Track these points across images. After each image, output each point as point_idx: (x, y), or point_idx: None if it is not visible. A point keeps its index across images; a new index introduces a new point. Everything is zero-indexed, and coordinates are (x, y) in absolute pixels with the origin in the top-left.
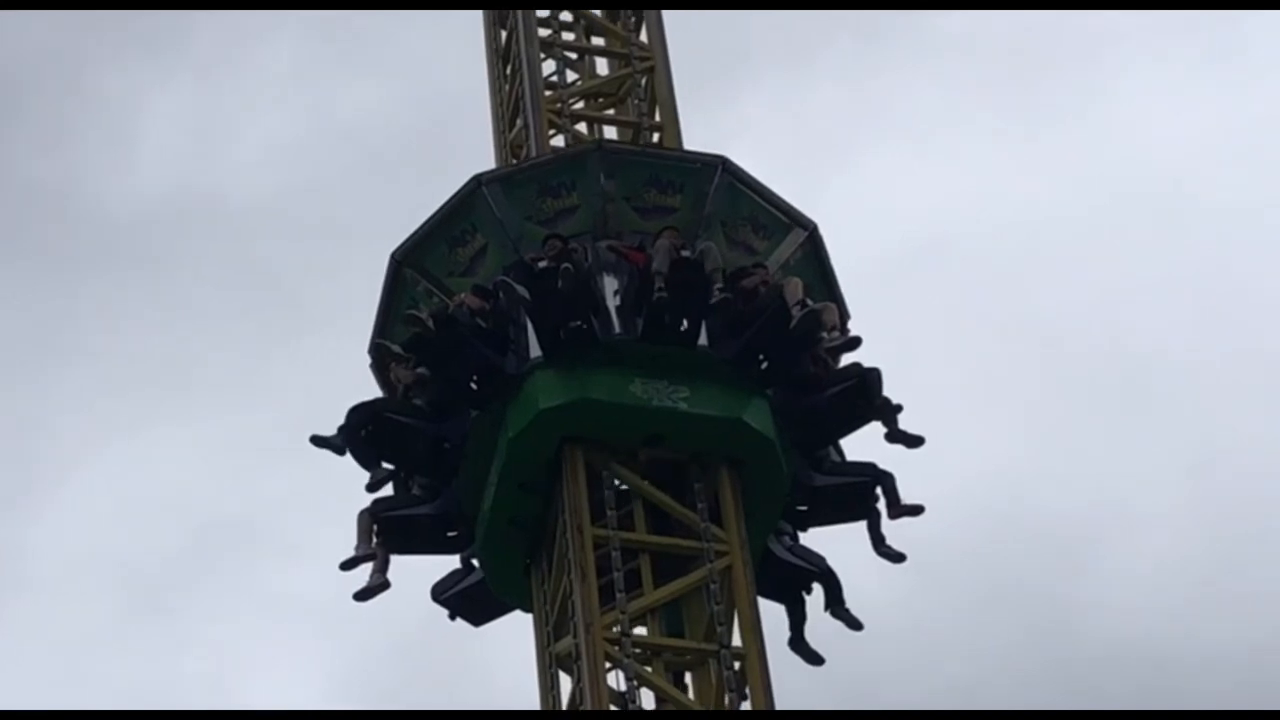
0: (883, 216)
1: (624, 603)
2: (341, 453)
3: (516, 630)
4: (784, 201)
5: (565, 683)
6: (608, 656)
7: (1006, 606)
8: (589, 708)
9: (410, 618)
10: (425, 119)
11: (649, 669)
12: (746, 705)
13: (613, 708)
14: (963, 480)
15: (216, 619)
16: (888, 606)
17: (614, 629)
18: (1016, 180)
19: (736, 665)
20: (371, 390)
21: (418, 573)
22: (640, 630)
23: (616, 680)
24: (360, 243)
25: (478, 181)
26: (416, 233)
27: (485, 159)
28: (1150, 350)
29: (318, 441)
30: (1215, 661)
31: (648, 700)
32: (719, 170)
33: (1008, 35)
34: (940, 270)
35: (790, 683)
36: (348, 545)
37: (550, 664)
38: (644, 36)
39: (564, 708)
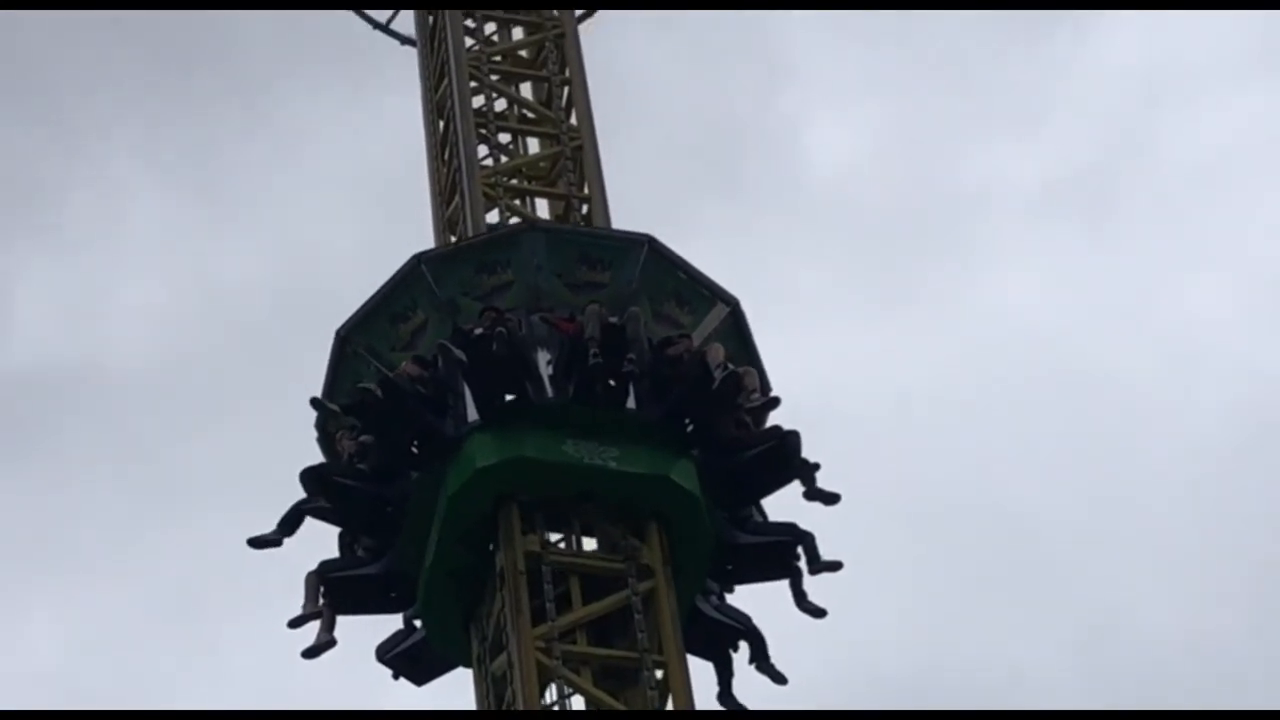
0: None
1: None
2: (279, 545)
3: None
4: (707, 278)
5: None
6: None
7: None
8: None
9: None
10: (299, 283)
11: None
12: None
13: None
14: (851, 648)
15: None
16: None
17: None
18: (893, 348)
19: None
20: (247, 568)
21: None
22: None
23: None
24: (238, 413)
25: (418, 260)
26: (360, 309)
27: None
28: (1032, 515)
29: (256, 542)
30: None
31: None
32: (645, 247)
33: (881, 197)
34: (820, 441)
35: None
36: None
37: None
38: (573, 119)
39: None
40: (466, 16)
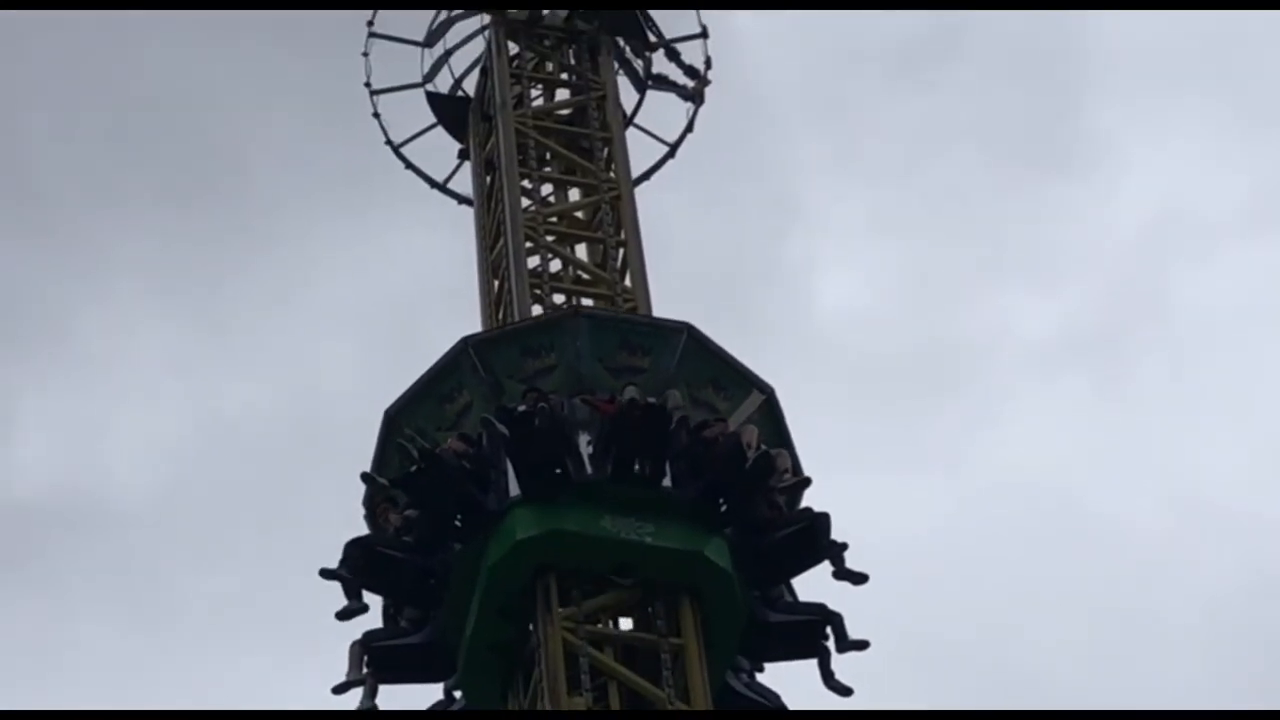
0: None
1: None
2: (366, 610)
3: None
4: (744, 366)
5: None
6: None
7: None
8: None
9: None
10: (305, 412)
11: None
12: None
13: None
14: None
15: None
16: None
17: None
18: (899, 494)
19: None
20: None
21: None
22: None
23: None
24: (245, 541)
25: (465, 343)
26: (408, 390)
27: (369, 459)
28: (1037, 666)
29: (327, 574)
30: None
31: None
32: (685, 335)
33: (889, 342)
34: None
35: None
36: None
37: None
38: (628, 280)
39: None
40: (524, 178)
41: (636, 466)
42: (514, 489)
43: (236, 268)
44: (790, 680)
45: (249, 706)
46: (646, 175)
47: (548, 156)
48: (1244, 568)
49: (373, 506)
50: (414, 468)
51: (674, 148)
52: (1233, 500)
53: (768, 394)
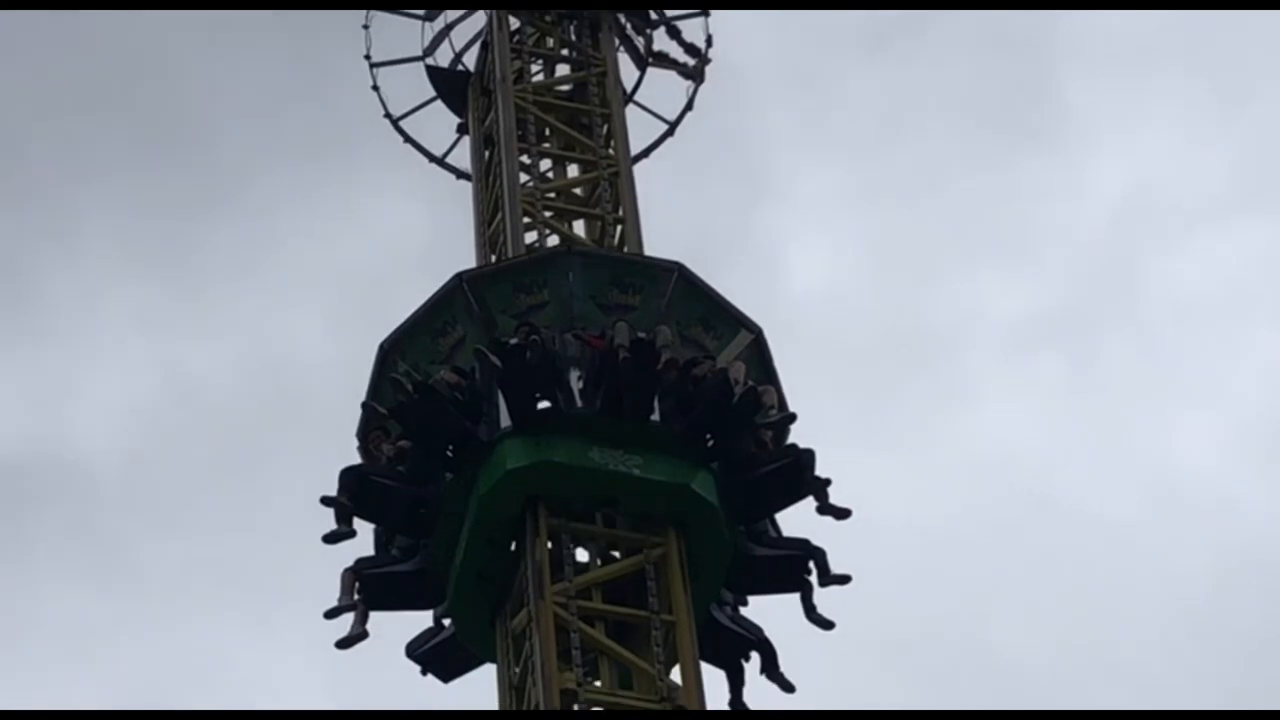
0: None
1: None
2: (354, 536)
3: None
4: (733, 306)
5: None
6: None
7: None
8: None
9: None
10: (272, 375)
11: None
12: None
13: None
14: None
15: None
16: None
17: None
18: (868, 475)
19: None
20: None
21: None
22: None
23: None
24: (211, 505)
25: (459, 278)
26: (403, 324)
27: (336, 425)
28: (1008, 650)
29: (327, 500)
30: None
31: None
32: (676, 274)
33: (859, 321)
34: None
35: None
36: None
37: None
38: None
39: None
40: (523, 153)
41: (625, 401)
42: (505, 421)
43: (205, 231)
44: (773, 615)
45: (212, 670)
46: (646, 153)
47: (547, 132)
48: (1214, 551)
49: (366, 436)
50: (406, 399)
51: (673, 125)
52: (1203, 484)
53: (756, 334)
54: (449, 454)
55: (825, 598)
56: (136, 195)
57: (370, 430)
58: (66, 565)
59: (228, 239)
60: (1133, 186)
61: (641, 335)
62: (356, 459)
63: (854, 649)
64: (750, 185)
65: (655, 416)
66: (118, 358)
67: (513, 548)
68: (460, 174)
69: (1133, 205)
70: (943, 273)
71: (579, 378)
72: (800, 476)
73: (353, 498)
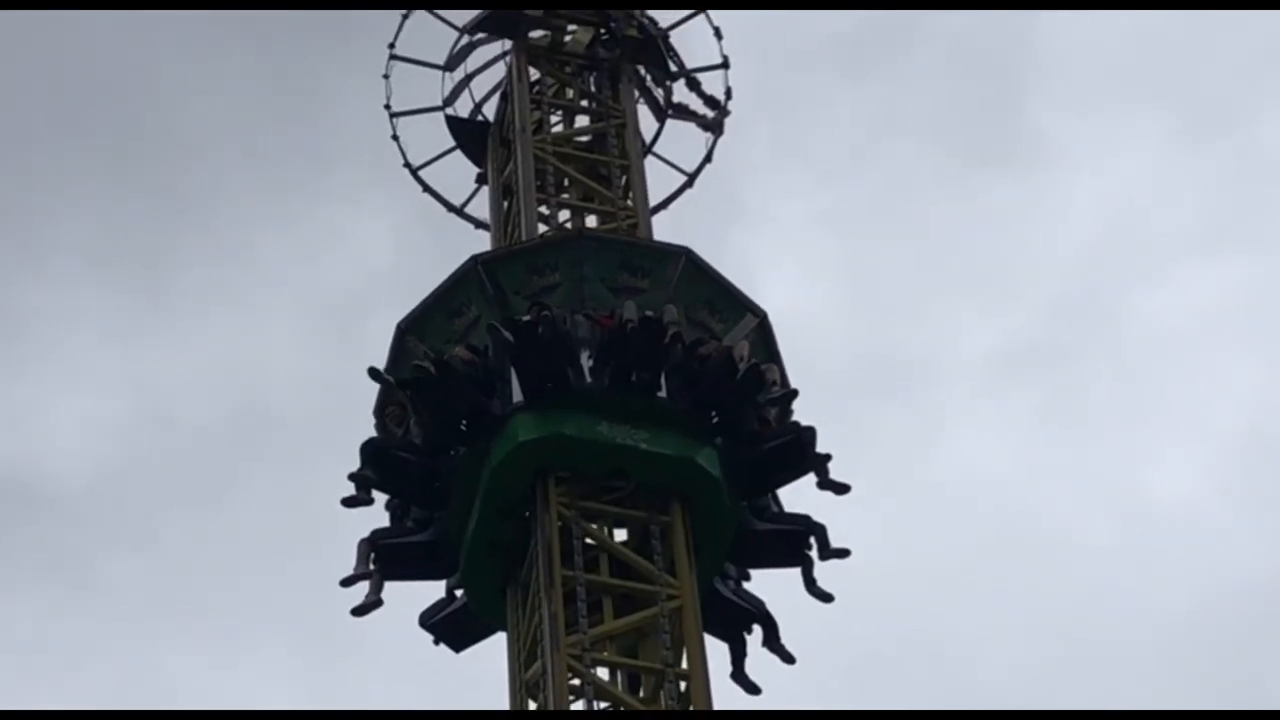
0: None
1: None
2: (371, 503)
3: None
4: (739, 290)
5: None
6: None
7: None
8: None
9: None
10: (243, 394)
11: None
12: None
13: None
14: None
15: None
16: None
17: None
18: (843, 506)
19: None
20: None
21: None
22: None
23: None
24: (181, 523)
25: (474, 261)
26: (419, 305)
27: (308, 444)
28: (984, 680)
29: (353, 477)
30: None
31: None
32: (683, 259)
33: (833, 351)
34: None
35: None
36: None
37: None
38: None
39: None
40: (542, 203)
41: (633, 378)
42: (517, 396)
43: (177, 248)
44: (775, 588)
45: (180, 690)
46: (664, 204)
47: (566, 183)
48: (1191, 582)
49: (383, 410)
50: (422, 373)
51: (692, 177)
52: (1180, 515)
53: (761, 317)
54: (463, 428)
55: (802, 636)
56: (108, 213)
57: (387, 404)
58: (34, 583)
59: (200, 257)
60: (1110, 214)
61: (649, 314)
62: (328, 482)
63: (826, 678)
64: (722, 209)
65: (662, 394)
66: (89, 376)
67: (526, 515)
68: (479, 224)
69: (1109, 234)
70: (917, 301)
71: (589, 357)
72: (802, 453)
73: (373, 470)
